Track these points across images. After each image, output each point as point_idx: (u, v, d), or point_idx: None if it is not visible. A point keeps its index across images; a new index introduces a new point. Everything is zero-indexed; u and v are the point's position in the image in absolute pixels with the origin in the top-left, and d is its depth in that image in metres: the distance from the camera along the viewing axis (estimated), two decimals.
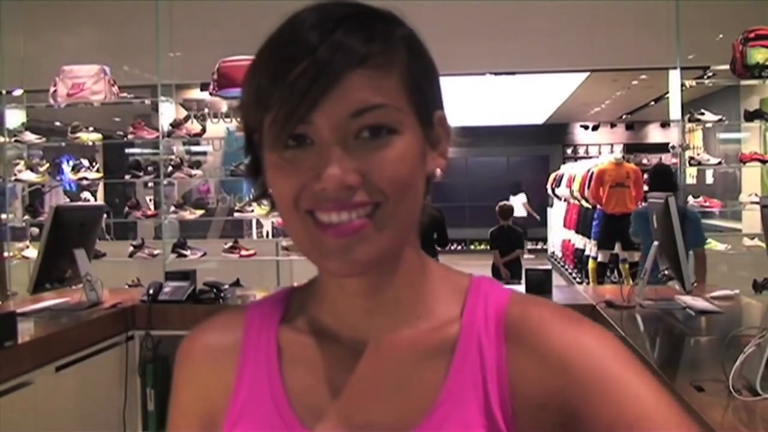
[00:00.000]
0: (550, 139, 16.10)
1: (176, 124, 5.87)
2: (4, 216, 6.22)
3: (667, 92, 6.11)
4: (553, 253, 13.52)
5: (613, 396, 0.69)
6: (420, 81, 0.75)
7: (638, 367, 0.72)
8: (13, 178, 6.07)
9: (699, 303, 3.45)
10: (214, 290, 3.60)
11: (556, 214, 12.90)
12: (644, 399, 0.70)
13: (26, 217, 6.24)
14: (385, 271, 0.78)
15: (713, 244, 6.08)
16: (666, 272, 3.83)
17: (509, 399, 0.74)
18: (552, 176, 13.00)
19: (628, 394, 0.70)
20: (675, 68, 5.68)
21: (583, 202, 10.23)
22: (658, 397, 0.70)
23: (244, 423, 0.82)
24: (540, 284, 3.79)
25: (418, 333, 0.80)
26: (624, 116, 15.22)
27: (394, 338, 0.80)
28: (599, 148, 15.78)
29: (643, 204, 6.48)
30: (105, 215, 5.07)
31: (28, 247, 6.08)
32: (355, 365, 0.80)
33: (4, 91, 6.22)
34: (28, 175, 6.08)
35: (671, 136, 6.57)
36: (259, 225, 8.05)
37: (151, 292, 3.52)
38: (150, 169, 5.98)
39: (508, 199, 10.39)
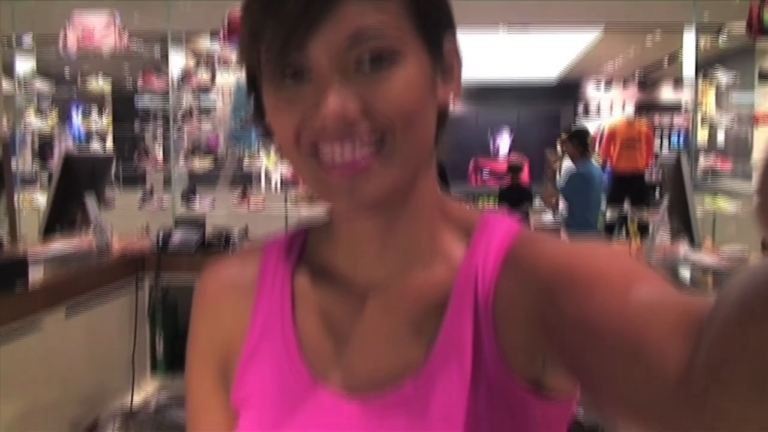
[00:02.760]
0: (562, 97, 15.97)
1: (186, 74, 5.84)
2: (14, 163, 6.22)
3: (682, 50, 6.05)
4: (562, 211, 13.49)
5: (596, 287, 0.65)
6: (424, 3, 0.72)
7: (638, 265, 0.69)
8: (22, 125, 6.06)
9: (708, 260, 3.44)
10: (224, 238, 3.61)
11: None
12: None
13: (36, 164, 6.25)
14: (396, 208, 0.77)
15: (723, 204, 6.06)
16: (675, 229, 3.82)
17: (496, 325, 0.74)
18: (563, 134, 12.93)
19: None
20: (690, 24, 5.62)
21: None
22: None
23: (255, 364, 0.82)
24: None
25: (426, 278, 0.79)
26: (637, 75, 15.08)
27: (404, 285, 0.80)
28: (611, 107, 15.66)
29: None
30: (114, 164, 5.07)
31: (38, 193, 6.10)
32: (364, 313, 0.80)
33: (14, 36, 6.18)
34: (38, 123, 6.08)
35: (684, 96, 6.53)
36: (269, 176, 8.04)
37: (160, 238, 3.53)
38: (159, 117, 5.97)
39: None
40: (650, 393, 0.57)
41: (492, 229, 0.79)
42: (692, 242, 3.46)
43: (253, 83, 0.76)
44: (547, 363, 0.73)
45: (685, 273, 3.35)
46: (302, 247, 0.87)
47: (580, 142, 6.06)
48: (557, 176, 6.32)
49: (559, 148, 6.33)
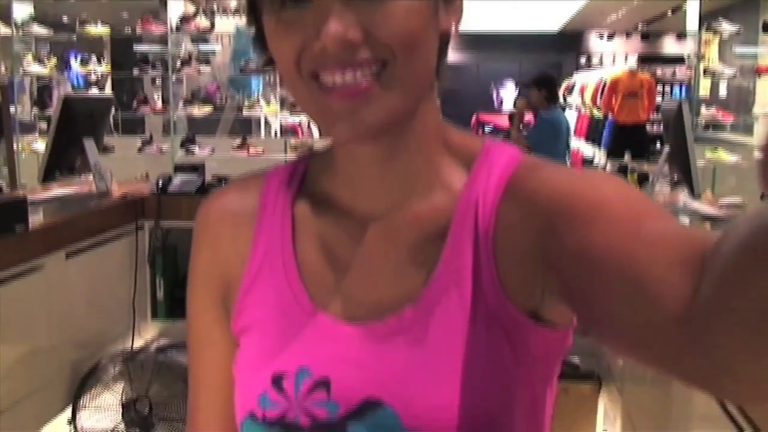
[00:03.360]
0: (564, 48, 15.84)
1: (185, 19, 5.79)
2: (12, 109, 6.19)
3: (685, 2, 5.99)
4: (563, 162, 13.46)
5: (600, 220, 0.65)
6: None
7: (642, 198, 0.69)
8: (21, 71, 6.02)
9: (707, 209, 3.45)
10: (224, 184, 3.60)
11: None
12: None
13: (35, 110, 6.22)
14: (397, 136, 0.77)
15: (723, 156, 6.06)
16: (675, 179, 3.82)
17: (496, 253, 0.74)
18: (564, 84, 12.86)
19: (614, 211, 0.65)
20: None
21: (595, 111, 10.14)
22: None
23: (255, 292, 0.83)
24: None
25: (426, 206, 0.79)
26: (640, 26, 14.93)
27: (404, 213, 0.79)
28: (613, 58, 15.54)
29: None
30: (113, 109, 5.05)
31: (37, 140, 6.08)
32: (364, 241, 0.80)
33: None
34: (36, 68, 6.04)
35: (687, 48, 6.48)
36: (268, 124, 8.01)
37: (160, 183, 3.53)
38: (158, 64, 5.93)
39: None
40: (650, 328, 0.57)
41: (493, 157, 0.79)
42: (692, 192, 3.46)
43: (253, 11, 0.76)
44: (546, 293, 0.74)
45: (684, 221, 3.35)
46: (303, 176, 0.87)
47: (546, 89, 6.05)
48: (523, 124, 6.34)
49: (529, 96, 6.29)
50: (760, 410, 1.49)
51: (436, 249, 0.77)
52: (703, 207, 3.46)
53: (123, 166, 5.01)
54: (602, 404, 3.15)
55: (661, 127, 4.94)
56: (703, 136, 7.75)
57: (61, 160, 3.51)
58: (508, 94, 15.20)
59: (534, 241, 0.71)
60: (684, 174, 3.56)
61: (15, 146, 5.85)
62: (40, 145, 5.73)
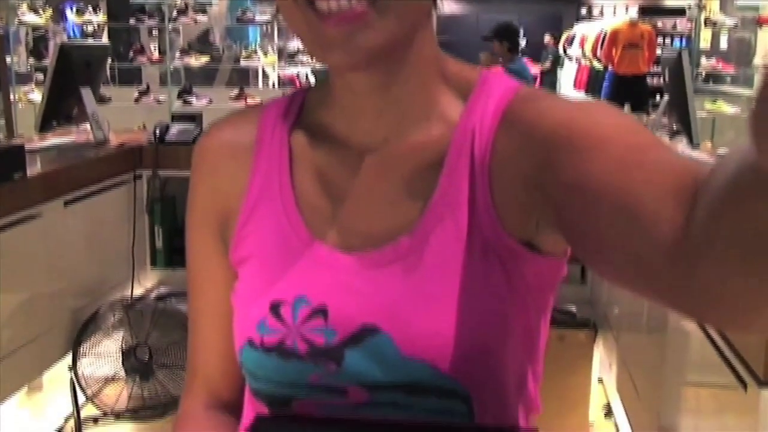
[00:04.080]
0: None
1: None
2: (8, 60, 6.15)
3: None
4: None
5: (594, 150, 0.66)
6: None
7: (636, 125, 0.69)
8: (16, 21, 5.97)
9: (706, 158, 3.45)
10: None
11: (567, 75, 12.74)
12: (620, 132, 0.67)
13: (31, 61, 6.18)
14: (393, 64, 0.77)
15: (723, 107, 6.03)
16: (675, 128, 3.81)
17: (492, 182, 0.75)
18: (564, 36, 12.76)
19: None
20: None
21: (595, 63, 10.08)
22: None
23: (253, 223, 0.83)
24: None
25: (423, 137, 0.79)
26: None
27: (400, 144, 0.80)
28: (614, 9, 15.38)
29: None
30: (109, 59, 5.01)
31: (33, 91, 6.05)
32: (360, 172, 0.80)
33: None
34: (32, 18, 5.98)
35: None
36: (265, 75, 7.96)
37: (157, 132, 3.52)
38: (155, 14, 5.87)
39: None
40: (643, 258, 0.58)
41: (491, 87, 0.79)
42: (691, 142, 3.45)
43: None
44: (541, 223, 0.74)
45: None
46: (300, 109, 0.87)
47: (507, 41, 6.01)
48: None
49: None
50: (755, 355, 1.50)
51: (432, 178, 0.77)
52: (702, 156, 3.46)
53: (120, 117, 4.99)
54: (598, 352, 3.18)
55: (661, 78, 4.91)
56: (703, 88, 7.71)
57: (58, 109, 3.49)
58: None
59: (530, 171, 0.71)
60: (683, 124, 3.55)
61: (11, 97, 5.83)
62: (37, 95, 5.70)
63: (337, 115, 0.82)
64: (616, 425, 3.16)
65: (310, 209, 0.82)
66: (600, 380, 3.35)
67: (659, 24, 12.46)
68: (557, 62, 13.33)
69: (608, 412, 3.23)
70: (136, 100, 5.82)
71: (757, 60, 6.67)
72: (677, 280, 0.54)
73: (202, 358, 0.92)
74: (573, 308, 3.20)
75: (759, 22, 6.08)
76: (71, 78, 3.46)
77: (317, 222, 0.81)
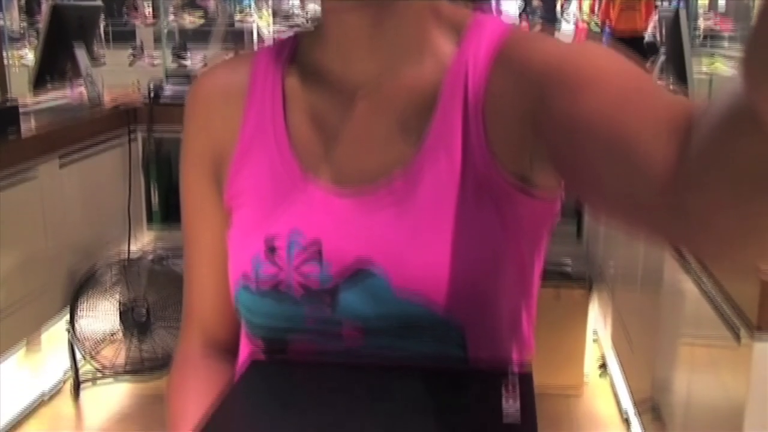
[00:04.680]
0: None
1: None
2: (0, 21, 6.10)
3: None
4: None
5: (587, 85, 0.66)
6: None
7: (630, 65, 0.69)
8: None
9: None
10: None
11: (565, 37, 12.65)
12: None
13: (23, 19, 6.12)
14: (386, 3, 0.76)
15: (720, 67, 6.01)
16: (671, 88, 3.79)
17: (486, 120, 0.75)
18: None
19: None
20: None
21: (593, 24, 10.01)
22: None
23: (247, 164, 0.84)
24: None
25: (416, 76, 0.79)
26: None
27: (393, 83, 0.80)
28: None
29: None
30: (102, 18, 4.97)
31: (27, 54, 6.00)
32: (354, 112, 0.80)
33: None
34: None
35: None
36: (260, 35, 7.89)
37: (152, 87, 3.50)
38: None
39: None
40: (635, 193, 0.58)
41: (484, 27, 0.79)
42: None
43: None
44: (535, 160, 0.74)
45: None
46: (293, 51, 0.87)
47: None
48: None
49: None
50: (749, 304, 1.51)
51: (425, 117, 0.77)
52: None
53: (114, 79, 4.95)
54: (593, 308, 3.20)
55: (658, 37, 4.88)
56: (701, 46, 7.66)
57: (52, 68, 3.47)
58: (509, 3, 14.91)
59: (523, 108, 0.71)
60: (680, 82, 3.54)
61: (4, 57, 5.78)
62: (31, 55, 5.65)
63: (330, 56, 0.82)
64: (611, 380, 3.19)
65: (304, 149, 0.82)
66: (595, 336, 3.38)
67: None
68: (551, 23, 13.23)
69: (603, 368, 3.26)
70: (131, 64, 5.78)
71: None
72: (669, 213, 0.55)
73: (197, 300, 0.92)
74: (568, 265, 3.21)
75: None
76: (64, 36, 3.43)
77: (311, 161, 0.81)
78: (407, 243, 0.75)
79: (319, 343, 0.80)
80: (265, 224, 0.80)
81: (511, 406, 0.71)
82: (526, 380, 0.76)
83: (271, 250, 0.79)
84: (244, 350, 0.87)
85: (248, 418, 0.75)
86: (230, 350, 0.92)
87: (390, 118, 0.79)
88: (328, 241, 0.78)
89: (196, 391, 0.89)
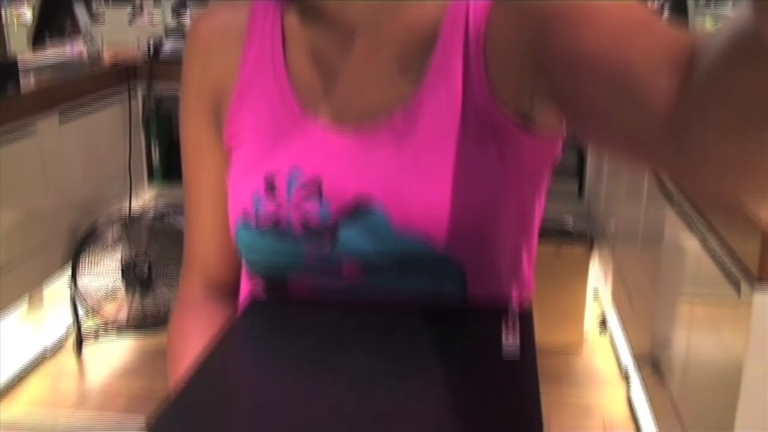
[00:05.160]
0: None
1: None
2: None
3: None
4: None
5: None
6: None
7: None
8: None
9: None
10: None
11: None
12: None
13: None
14: None
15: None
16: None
17: (487, 57, 0.74)
18: None
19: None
20: None
21: None
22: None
23: (247, 103, 0.83)
24: None
25: (416, 14, 0.79)
26: None
27: (393, 21, 0.79)
28: None
29: None
30: None
31: (26, 12, 5.95)
32: (354, 50, 0.80)
33: None
34: None
35: None
36: None
37: (151, 44, 3.47)
38: None
39: None
40: (637, 128, 0.58)
41: None
42: None
43: None
44: (536, 97, 0.74)
45: None
46: None
47: None
48: None
49: None
50: (750, 255, 1.51)
51: (426, 55, 0.77)
52: None
53: (113, 37, 4.91)
54: (594, 266, 3.21)
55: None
56: (704, 9, 7.58)
57: (51, 25, 3.45)
58: None
59: (524, 44, 0.71)
60: (679, 20, 3.51)
61: (3, 16, 5.73)
62: (30, 17, 5.60)
63: None
64: (611, 337, 3.20)
65: (304, 87, 0.81)
66: (595, 295, 3.39)
67: None
68: None
69: (603, 325, 3.27)
70: (130, 23, 5.72)
71: None
72: (670, 146, 0.54)
73: (198, 242, 0.92)
74: (569, 223, 3.21)
75: None
76: None
77: (311, 99, 0.81)
78: (407, 180, 0.75)
79: (319, 281, 0.80)
80: (265, 161, 0.80)
81: (510, 343, 0.72)
82: (526, 318, 0.76)
83: (271, 187, 0.79)
84: (245, 290, 0.88)
85: (247, 355, 0.75)
86: (231, 292, 0.92)
87: (390, 55, 0.79)
88: (328, 178, 0.77)
89: (197, 331, 0.89)
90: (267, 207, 0.79)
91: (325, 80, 0.81)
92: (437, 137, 0.75)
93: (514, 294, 0.84)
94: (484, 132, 0.75)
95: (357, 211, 0.76)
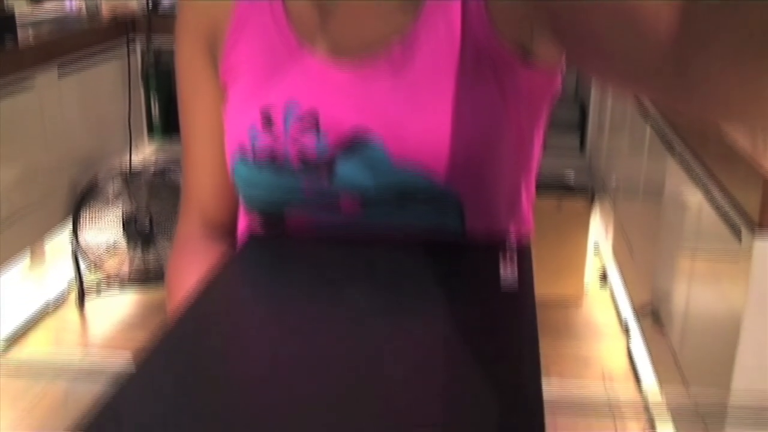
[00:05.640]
0: None
1: None
2: None
3: None
4: None
5: None
6: None
7: None
8: None
9: None
10: None
11: None
12: None
13: None
14: None
15: None
16: None
17: None
18: None
19: None
20: None
21: None
22: None
23: (243, 37, 0.82)
24: None
25: None
26: None
27: None
28: None
29: None
30: None
31: None
32: None
33: None
34: None
35: None
36: None
37: (150, 0, 3.44)
38: None
39: None
40: (638, 56, 0.57)
41: None
42: None
43: None
44: (536, 29, 0.73)
45: None
46: None
47: None
48: None
49: None
50: (752, 202, 1.51)
51: None
52: None
53: None
54: (595, 220, 3.21)
55: None
56: None
57: None
58: None
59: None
60: None
61: None
62: None
63: None
64: (611, 291, 3.21)
65: (300, 20, 0.80)
66: (596, 250, 3.39)
67: None
68: None
69: (604, 279, 3.28)
70: None
71: None
72: (671, 76, 0.54)
73: (195, 181, 0.92)
74: (571, 177, 3.20)
75: None
76: None
77: (308, 32, 0.80)
78: (405, 112, 0.74)
79: (317, 216, 0.79)
80: (261, 95, 0.79)
81: (508, 275, 0.71)
82: (524, 252, 0.76)
83: (267, 121, 0.78)
84: (242, 228, 0.87)
85: (244, 289, 0.75)
86: (228, 232, 0.92)
87: None
88: (325, 111, 0.77)
89: (195, 268, 0.89)
90: (264, 140, 0.78)
91: (322, 13, 0.80)
92: (436, 69, 0.74)
93: (512, 230, 0.84)
94: (482, 64, 0.74)
95: (354, 144, 0.75)
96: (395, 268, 0.74)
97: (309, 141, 0.77)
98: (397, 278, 0.73)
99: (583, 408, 2.37)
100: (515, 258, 0.74)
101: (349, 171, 0.76)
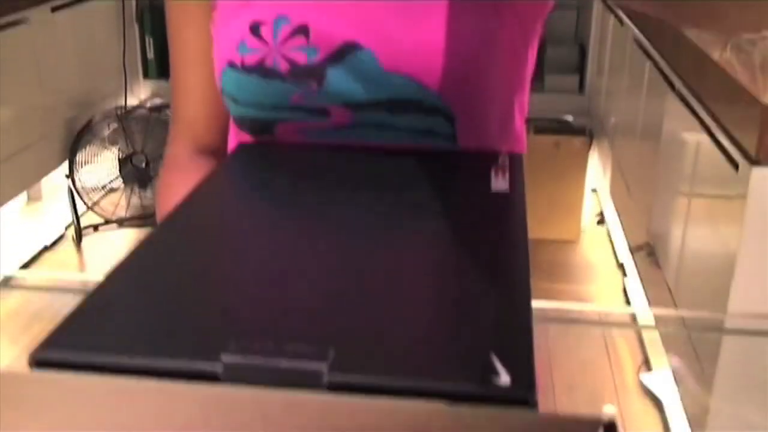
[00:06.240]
0: None
1: None
2: None
3: None
4: None
5: None
6: None
7: None
8: None
9: None
10: None
11: None
12: None
13: None
14: None
15: None
16: None
17: None
18: None
19: None
20: None
21: None
22: None
23: None
24: None
25: None
26: None
27: None
28: None
29: None
30: None
31: None
32: None
33: None
34: None
35: None
36: None
37: None
38: None
39: None
40: None
41: None
42: None
43: None
44: None
45: None
46: None
47: None
48: None
49: None
50: (749, 136, 1.50)
51: None
52: None
53: None
54: (593, 161, 3.19)
55: None
56: None
57: None
58: None
59: None
60: None
61: None
62: None
63: None
64: (608, 231, 3.21)
65: None
66: (594, 192, 3.38)
67: None
68: None
69: (601, 220, 3.28)
70: None
71: None
72: None
73: (184, 102, 0.90)
74: (570, 118, 3.18)
75: None
76: None
77: None
78: (397, 23, 0.73)
79: (306, 123, 0.78)
80: (250, 9, 0.77)
81: (500, 180, 0.71)
82: (516, 160, 0.75)
83: (257, 33, 0.76)
84: (233, 143, 0.86)
85: (233, 195, 0.74)
86: (218, 153, 0.91)
87: None
88: (315, 25, 0.75)
89: (184, 186, 0.88)
90: (253, 53, 0.76)
91: None
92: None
93: (505, 149, 0.83)
94: None
95: (344, 55, 0.74)
96: (385, 175, 0.73)
97: (299, 53, 0.75)
98: (385, 184, 0.72)
99: (574, 320, 2.37)
100: (507, 165, 0.73)
101: (338, 79, 0.75)
